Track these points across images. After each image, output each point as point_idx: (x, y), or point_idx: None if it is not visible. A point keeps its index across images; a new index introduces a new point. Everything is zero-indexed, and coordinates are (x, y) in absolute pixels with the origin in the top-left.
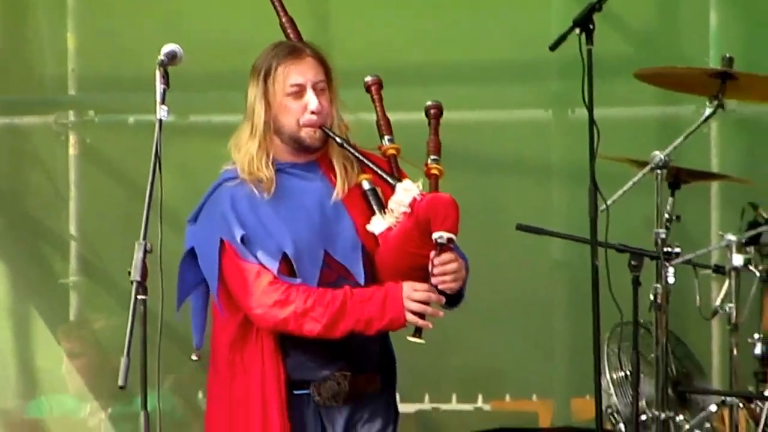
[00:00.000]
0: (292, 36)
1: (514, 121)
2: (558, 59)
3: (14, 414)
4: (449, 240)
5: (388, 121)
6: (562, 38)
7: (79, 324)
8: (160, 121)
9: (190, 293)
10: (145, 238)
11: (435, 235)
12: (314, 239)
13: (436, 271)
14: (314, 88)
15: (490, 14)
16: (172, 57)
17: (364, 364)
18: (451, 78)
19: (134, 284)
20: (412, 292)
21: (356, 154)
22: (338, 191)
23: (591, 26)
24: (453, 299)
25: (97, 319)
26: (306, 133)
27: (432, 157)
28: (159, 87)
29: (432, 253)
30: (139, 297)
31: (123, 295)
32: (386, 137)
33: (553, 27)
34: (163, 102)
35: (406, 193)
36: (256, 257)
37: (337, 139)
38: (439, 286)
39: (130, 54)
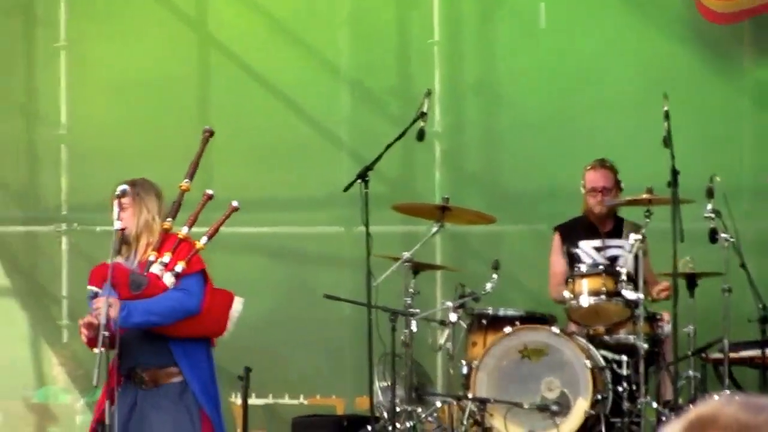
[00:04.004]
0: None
1: (320, 233)
2: (347, 196)
3: (28, 399)
4: (94, 293)
5: (193, 220)
6: (350, 185)
7: (65, 346)
8: (117, 230)
9: None
10: None
11: (87, 288)
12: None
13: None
14: (120, 205)
15: (306, 168)
16: (123, 192)
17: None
18: (283, 206)
19: (100, 327)
20: (82, 321)
21: (115, 245)
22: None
23: (367, 178)
24: (116, 322)
25: (77, 343)
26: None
27: (203, 238)
28: (115, 209)
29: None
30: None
31: None
32: (184, 228)
33: (344, 176)
34: (118, 218)
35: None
36: None
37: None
38: (94, 316)
39: (98, 189)
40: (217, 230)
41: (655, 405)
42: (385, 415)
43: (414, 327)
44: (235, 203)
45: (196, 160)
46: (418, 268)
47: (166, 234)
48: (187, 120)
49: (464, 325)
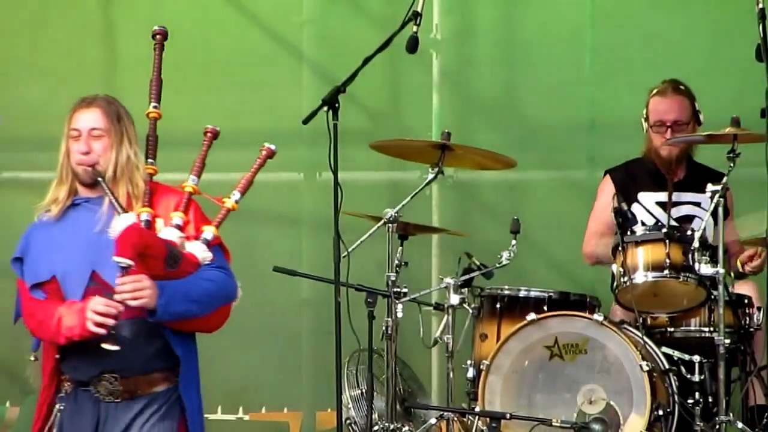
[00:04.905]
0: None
1: (271, 181)
2: (309, 130)
3: None
4: (128, 265)
5: (201, 165)
6: (313, 114)
7: None
8: (89, 169)
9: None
10: None
11: (114, 259)
12: (83, 261)
13: (116, 288)
14: (90, 134)
15: (252, 92)
16: None
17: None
18: (218, 144)
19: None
20: (96, 305)
21: (107, 193)
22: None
23: (336, 105)
24: (151, 312)
25: None
26: (81, 171)
27: (234, 193)
28: None
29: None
30: None
31: None
32: (191, 177)
33: (305, 103)
34: None
35: (120, 222)
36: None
37: (99, 179)
38: (122, 300)
39: None
40: (251, 183)
41: (740, 425)
42: None
43: (400, 313)
44: (272, 147)
45: (157, 75)
46: (406, 231)
47: (152, 183)
48: (81, 24)
49: (470, 311)
